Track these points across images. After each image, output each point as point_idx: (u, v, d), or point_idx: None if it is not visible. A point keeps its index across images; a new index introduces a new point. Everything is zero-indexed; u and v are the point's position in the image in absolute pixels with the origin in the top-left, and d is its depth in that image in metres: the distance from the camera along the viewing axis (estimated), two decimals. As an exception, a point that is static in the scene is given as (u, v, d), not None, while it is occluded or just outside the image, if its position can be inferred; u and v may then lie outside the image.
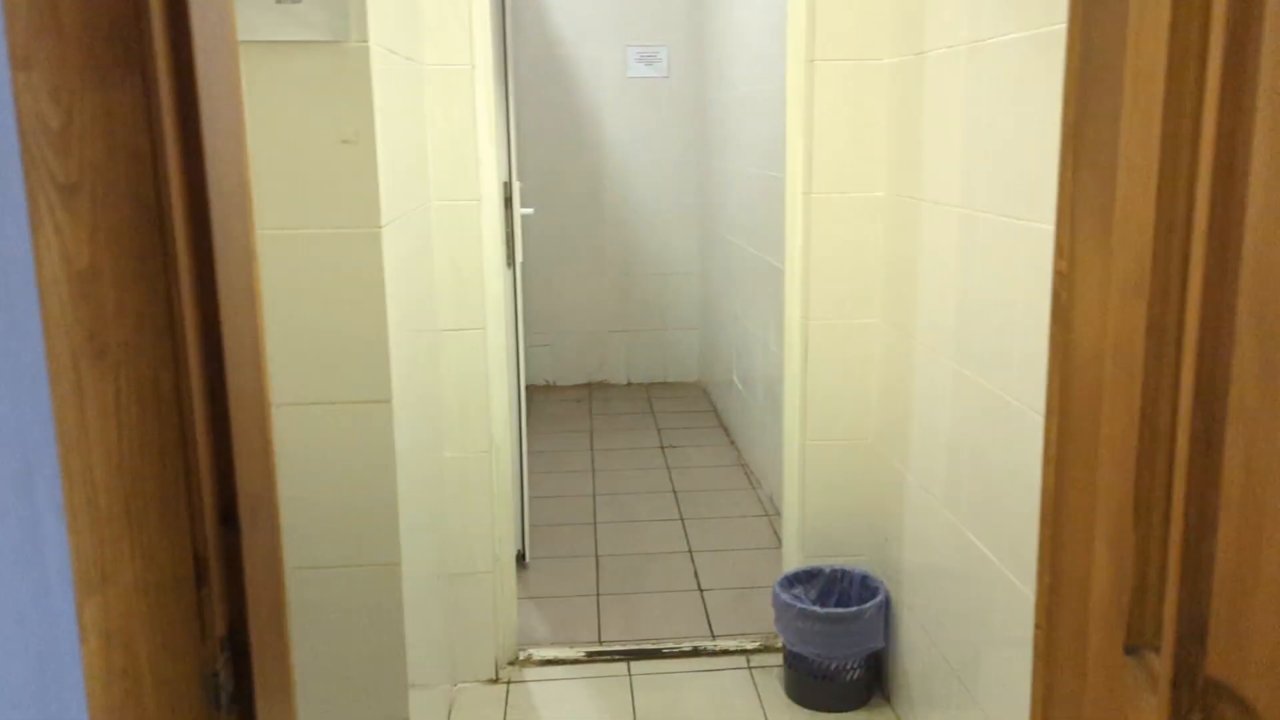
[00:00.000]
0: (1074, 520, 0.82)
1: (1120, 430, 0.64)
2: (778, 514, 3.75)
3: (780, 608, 2.56)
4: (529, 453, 3.86)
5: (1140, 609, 0.62)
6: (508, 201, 3.22)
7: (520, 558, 3.34)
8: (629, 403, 5.43)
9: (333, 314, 1.87)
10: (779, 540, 3.49)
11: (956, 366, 2.13)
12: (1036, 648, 0.91)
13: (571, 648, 2.88)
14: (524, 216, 3.70)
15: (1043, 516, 0.89)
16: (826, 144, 2.53)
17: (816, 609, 2.50)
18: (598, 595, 3.18)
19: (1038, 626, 0.90)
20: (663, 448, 4.63)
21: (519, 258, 3.40)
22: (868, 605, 2.49)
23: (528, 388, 5.57)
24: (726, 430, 4.84)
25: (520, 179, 4.45)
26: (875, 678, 2.61)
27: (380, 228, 1.85)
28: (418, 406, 2.26)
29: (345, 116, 1.81)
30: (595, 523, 3.76)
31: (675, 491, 4.06)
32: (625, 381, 5.81)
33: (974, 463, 2.06)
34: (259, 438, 0.82)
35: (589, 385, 5.77)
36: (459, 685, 2.73)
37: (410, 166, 2.27)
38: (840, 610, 2.48)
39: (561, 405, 5.40)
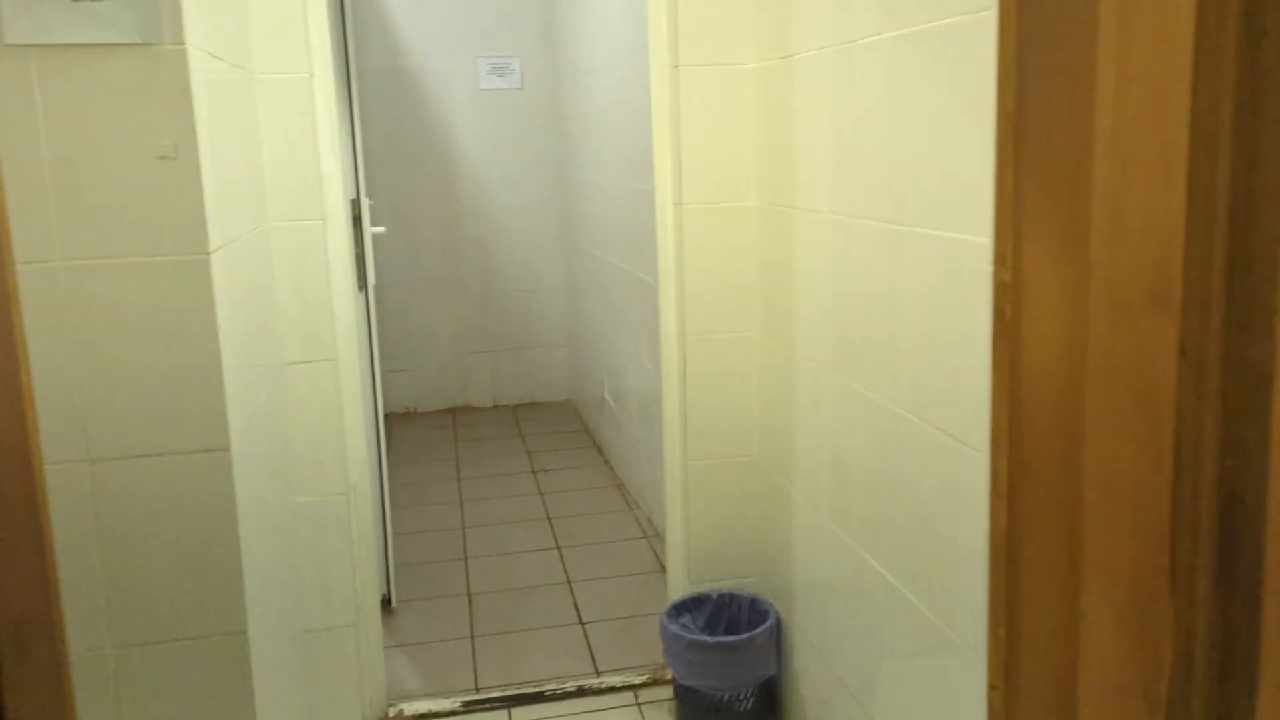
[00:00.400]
0: (1037, 569, 0.71)
1: (1131, 473, 0.53)
2: (658, 535, 3.63)
3: (669, 639, 2.43)
4: (391, 487, 3.63)
5: (1186, 698, 0.51)
6: (356, 220, 3.00)
7: (386, 602, 3.11)
8: (496, 426, 5.23)
9: (157, 353, 1.64)
10: (661, 564, 3.37)
11: (839, 379, 2.05)
12: (992, 709, 0.80)
13: (447, 698, 2.67)
14: (375, 236, 3.48)
15: (993, 562, 0.78)
16: (695, 153, 2.43)
17: (706, 638, 2.38)
18: (472, 637, 2.98)
19: (993, 687, 0.79)
20: (534, 472, 4.45)
21: (371, 280, 3.18)
22: (758, 631, 2.38)
23: (386, 416, 5.30)
24: (600, 449, 4.71)
25: (370, 196, 4.22)
26: (770, 706, 2.51)
27: (208, 254, 1.63)
28: (262, 450, 2.03)
29: (162, 128, 1.59)
30: (466, 558, 3.56)
31: (550, 518, 3.89)
32: (491, 404, 5.60)
33: (864, 478, 1.98)
34: (27, 535, 0.63)
35: (452, 410, 5.54)
36: (324, 750, 2.50)
37: (244, 185, 2.04)
38: (731, 639, 2.37)
39: (424, 433, 5.15)
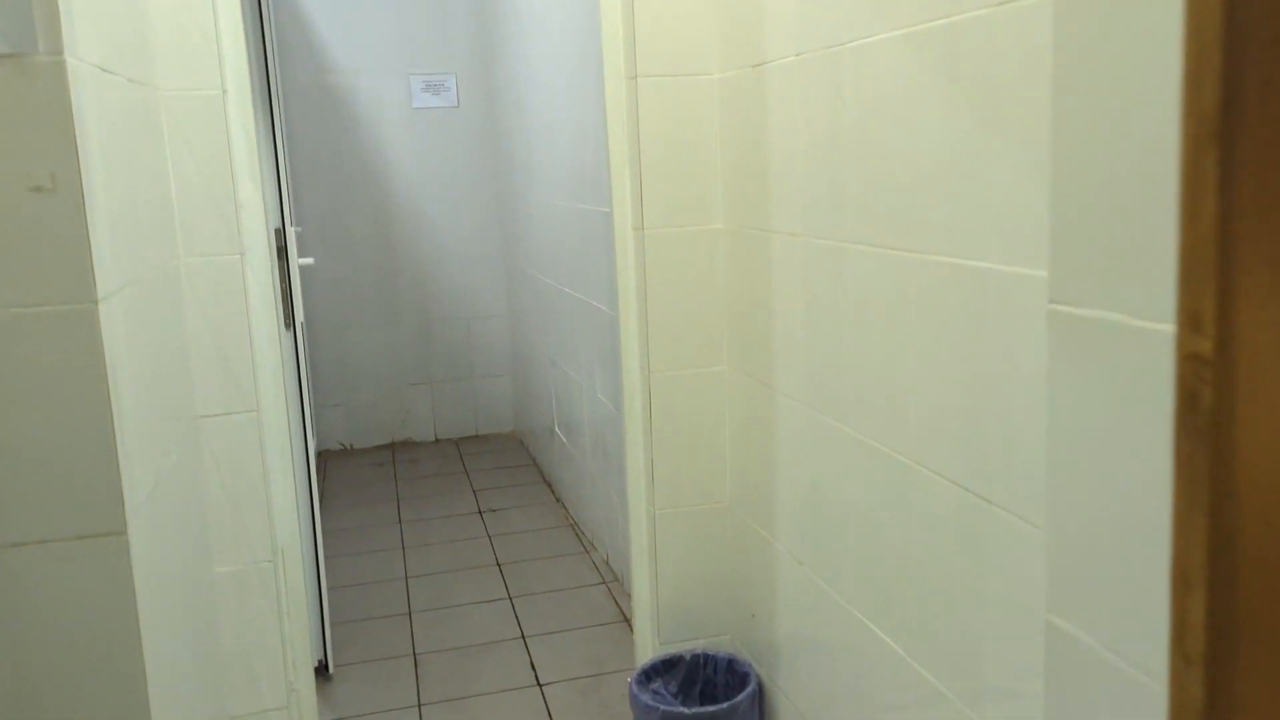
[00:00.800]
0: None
1: None
2: (617, 580, 3.39)
3: (640, 710, 2.20)
4: (325, 536, 3.35)
5: None
6: (282, 252, 2.74)
7: (322, 669, 2.83)
8: (438, 462, 4.95)
9: (34, 422, 1.37)
10: (624, 614, 3.14)
11: (826, 420, 1.84)
12: None
13: (393, 780, 2.41)
14: (304, 268, 3.21)
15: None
16: (656, 172, 2.21)
17: (683, 710, 2.15)
18: (419, 705, 2.72)
19: None
20: (481, 512, 4.19)
21: (300, 316, 2.91)
22: (740, 698, 2.16)
23: (320, 454, 5.00)
24: (550, 486, 4.46)
25: (298, 224, 3.94)
26: (752, 777, 2.29)
27: (96, 302, 1.37)
28: (171, 521, 1.76)
29: (36, 155, 1.33)
30: (410, 612, 3.29)
31: (500, 564, 3.63)
32: (433, 438, 5.32)
33: (858, 530, 1.77)
34: None
35: (391, 446, 5.24)
36: None
37: (147, 217, 1.78)
38: (709, 709, 2.14)
39: (361, 470, 4.86)
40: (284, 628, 2.20)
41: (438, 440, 5.31)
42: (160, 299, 1.83)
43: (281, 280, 2.71)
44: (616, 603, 3.25)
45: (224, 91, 2.03)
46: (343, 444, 5.20)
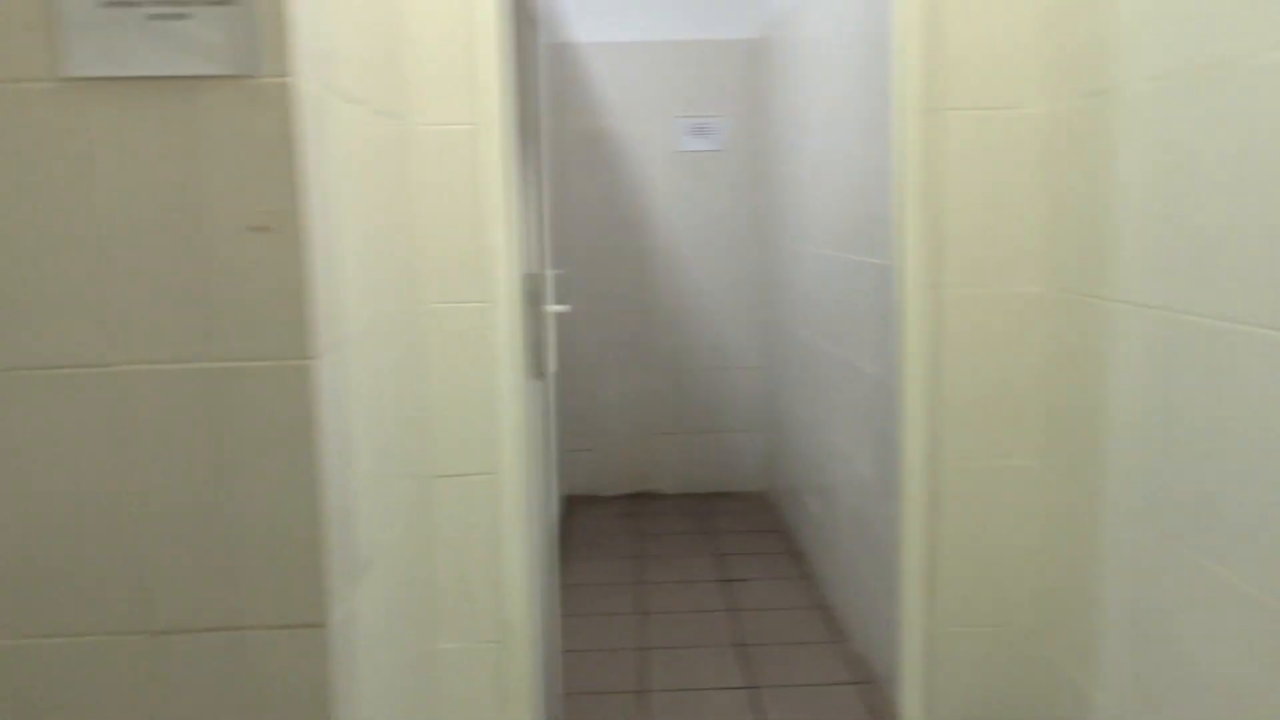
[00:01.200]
0: None
1: None
2: (873, 681, 2.99)
3: None
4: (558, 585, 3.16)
5: None
6: (535, 298, 2.58)
7: (548, 749, 2.61)
8: (683, 518, 4.71)
9: (235, 488, 1.21)
10: (880, 727, 2.73)
11: (1196, 557, 1.41)
12: None
13: None
14: (558, 316, 3.06)
15: None
16: (958, 221, 1.86)
17: None
18: (648, 806, 2.44)
19: None
20: (724, 581, 3.89)
21: (551, 366, 2.75)
22: None
23: (565, 499, 4.89)
24: (799, 557, 4.10)
25: (554, 268, 3.85)
26: None
27: (310, 359, 1.19)
28: (392, 592, 1.58)
29: (256, 190, 1.17)
30: (641, 690, 3.03)
31: (741, 644, 3.32)
32: (678, 490, 5.10)
33: (1234, 713, 1.32)
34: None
35: (636, 496, 5.06)
36: None
37: (385, 261, 1.63)
38: None
39: (603, 520, 4.69)
40: (506, 716, 1.99)
41: (684, 494, 5.08)
42: (395, 350, 1.67)
43: (533, 328, 2.56)
44: (869, 708, 2.85)
45: (474, 125, 1.87)
46: (588, 490, 5.08)
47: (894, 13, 1.92)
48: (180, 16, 1.13)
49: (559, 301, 3.13)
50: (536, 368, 2.57)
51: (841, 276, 3.30)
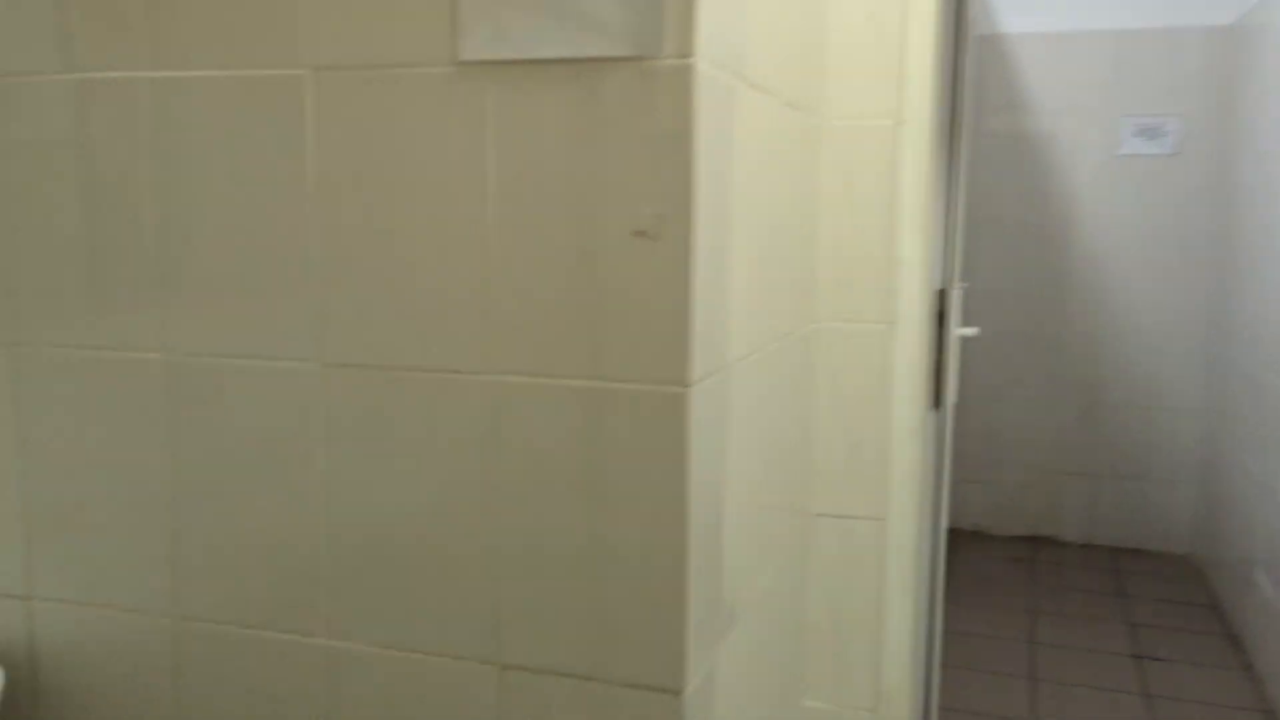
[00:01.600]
0: None
1: None
2: (1339, 827, 2.37)
3: None
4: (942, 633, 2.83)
5: None
6: (941, 318, 2.29)
7: (915, 826, 2.32)
8: (1086, 573, 4.14)
9: (600, 528, 1.07)
10: None
11: None
12: None
13: None
14: (964, 339, 2.73)
15: None
16: None
17: None
18: None
19: None
20: (1136, 657, 3.33)
21: (951, 396, 2.44)
22: None
23: (950, 533, 4.49)
24: (1236, 643, 3.42)
25: (962, 284, 3.48)
26: None
27: (687, 387, 1.03)
28: (756, 650, 1.39)
29: (644, 189, 1.02)
30: (1031, 774, 2.63)
31: (1157, 740, 2.80)
32: (1082, 541, 4.50)
33: None
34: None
35: (1032, 540, 4.54)
36: None
37: (783, 273, 1.44)
38: None
39: (993, 563, 4.24)
40: (872, 793, 1.74)
41: (1088, 545, 4.48)
42: (782, 373, 1.48)
43: (936, 351, 2.27)
44: None
45: (899, 123, 1.63)
46: (976, 526, 4.64)
47: None
48: (580, -8, 1.01)
49: (965, 323, 2.79)
50: (935, 397, 2.29)
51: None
